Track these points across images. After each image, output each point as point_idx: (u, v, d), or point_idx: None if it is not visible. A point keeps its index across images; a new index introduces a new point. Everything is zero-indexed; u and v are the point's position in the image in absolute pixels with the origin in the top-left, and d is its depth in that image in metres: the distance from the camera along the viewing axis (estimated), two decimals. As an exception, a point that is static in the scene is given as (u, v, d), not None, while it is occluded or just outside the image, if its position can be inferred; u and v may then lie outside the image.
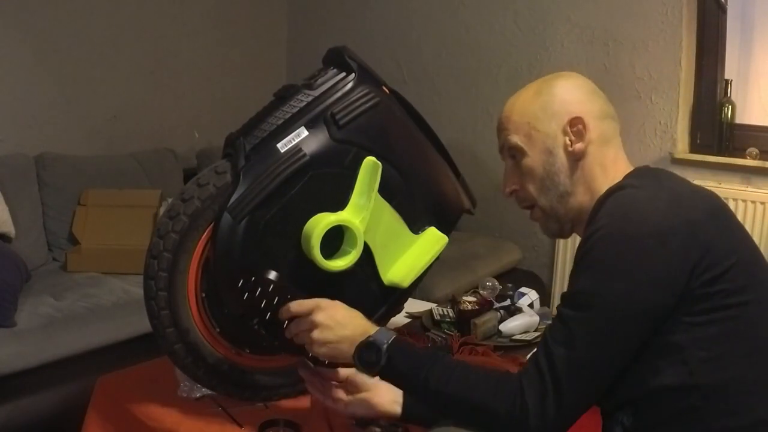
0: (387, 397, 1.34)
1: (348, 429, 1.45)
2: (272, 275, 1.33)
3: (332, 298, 1.37)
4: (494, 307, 2.04)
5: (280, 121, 1.41)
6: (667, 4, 3.03)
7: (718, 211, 1.19)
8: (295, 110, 1.41)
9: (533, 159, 1.28)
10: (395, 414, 1.34)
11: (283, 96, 1.45)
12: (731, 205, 2.86)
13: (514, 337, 1.93)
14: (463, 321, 1.95)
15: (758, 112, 3.05)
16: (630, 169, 1.27)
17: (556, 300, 3.33)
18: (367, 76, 1.45)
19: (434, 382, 1.20)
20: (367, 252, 1.42)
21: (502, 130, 1.32)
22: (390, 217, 1.47)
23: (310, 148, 1.39)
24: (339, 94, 1.43)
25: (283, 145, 1.38)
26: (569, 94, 1.27)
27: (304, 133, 1.40)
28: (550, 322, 1.98)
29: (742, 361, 1.12)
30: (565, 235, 1.35)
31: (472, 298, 2.05)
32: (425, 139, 1.54)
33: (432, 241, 1.54)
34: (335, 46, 1.49)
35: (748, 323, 1.13)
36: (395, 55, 3.85)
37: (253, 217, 1.37)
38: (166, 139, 3.61)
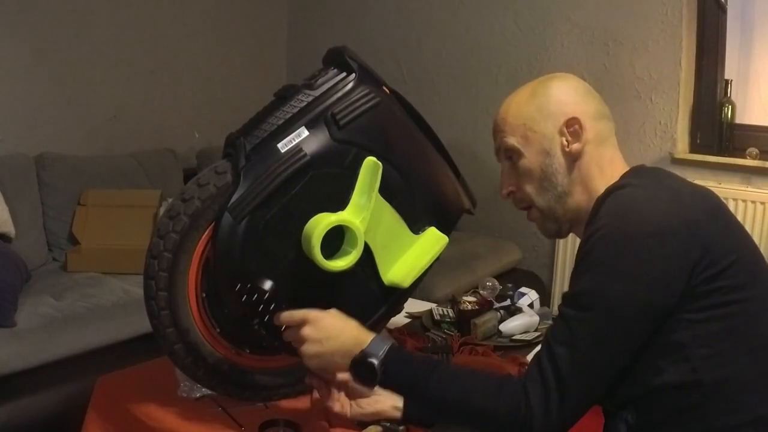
0: (387, 402, 1.34)
1: (348, 429, 1.45)
2: (267, 285, 1.33)
3: (332, 298, 1.37)
4: (494, 307, 2.04)
5: (280, 121, 1.41)
6: (667, 4, 3.04)
7: (717, 210, 1.20)
8: (295, 110, 1.41)
9: (530, 160, 1.28)
10: (396, 418, 1.35)
11: (284, 96, 1.44)
12: (731, 205, 2.86)
13: (514, 337, 1.93)
14: (463, 321, 1.95)
15: (758, 112, 3.05)
16: (627, 168, 1.28)
17: (556, 300, 3.33)
18: (367, 76, 1.45)
19: (434, 390, 1.20)
20: (367, 252, 1.42)
21: (498, 132, 1.32)
22: (390, 217, 1.47)
23: (310, 148, 1.39)
24: (339, 94, 1.43)
25: (284, 145, 1.38)
26: (565, 95, 1.27)
27: (304, 133, 1.40)
28: (550, 322, 1.99)
29: (743, 358, 1.13)
30: (563, 235, 1.35)
31: (472, 298, 2.05)
32: (425, 139, 1.54)
33: (432, 241, 1.54)
34: (335, 46, 1.49)
35: (748, 320, 1.13)
36: (395, 55, 3.86)
37: (253, 217, 1.37)
38: (166, 139, 3.61)
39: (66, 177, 3.10)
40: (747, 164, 2.95)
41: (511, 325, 1.95)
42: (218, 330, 1.47)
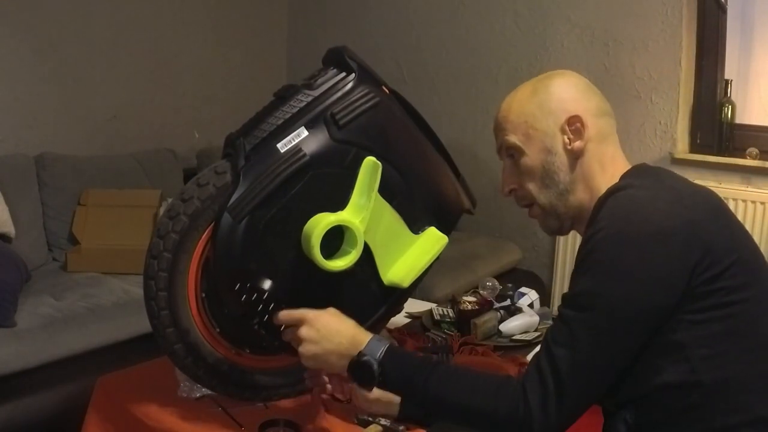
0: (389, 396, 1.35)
1: (348, 428, 1.45)
2: (266, 285, 1.33)
3: (332, 298, 1.37)
4: (494, 307, 2.04)
5: (280, 121, 1.41)
6: (667, 4, 3.04)
7: (718, 210, 1.20)
8: (295, 110, 1.41)
9: (532, 158, 1.28)
10: (393, 414, 1.35)
11: (283, 96, 1.44)
12: (731, 205, 2.86)
13: (514, 337, 1.93)
14: (463, 321, 1.95)
15: (758, 112, 3.05)
16: (628, 166, 1.28)
17: (556, 300, 3.33)
18: (367, 76, 1.45)
19: (433, 391, 1.20)
20: (367, 252, 1.42)
21: (499, 130, 1.32)
22: (390, 217, 1.47)
23: (310, 148, 1.39)
24: (339, 94, 1.43)
25: (283, 145, 1.38)
26: (566, 93, 1.27)
27: (304, 133, 1.40)
28: (550, 322, 1.99)
29: (743, 358, 1.13)
30: (564, 232, 1.35)
31: (472, 298, 2.05)
32: (425, 139, 1.54)
33: (432, 241, 1.54)
34: (335, 46, 1.49)
35: (748, 321, 1.13)
36: (395, 55, 3.85)
37: (253, 217, 1.37)
38: (166, 139, 3.61)
39: (66, 177, 3.10)
40: (747, 164, 2.95)
41: (511, 325, 1.95)
42: (218, 330, 1.47)
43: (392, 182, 1.47)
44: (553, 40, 3.37)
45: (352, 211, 1.39)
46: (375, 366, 1.23)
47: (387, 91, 1.49)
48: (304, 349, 1.28)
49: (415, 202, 1.51)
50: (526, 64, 3.44)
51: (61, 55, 3.26)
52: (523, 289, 2.15)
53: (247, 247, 1.37)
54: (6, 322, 2.35)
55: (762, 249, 1.24)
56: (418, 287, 1.60)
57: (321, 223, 1.34)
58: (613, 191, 1.19)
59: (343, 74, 1.44)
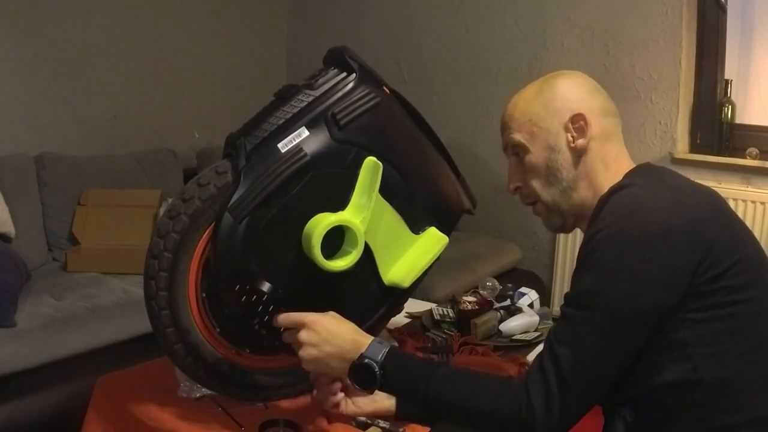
0: (385, 402, 1.36)
1: (348, 429, 1.45)
2: (266, 287, 1.33)
3: (333, 298, 1.36)
4: (494, 307, 2.04)
5: (280, 121, 1.41)
6: (667, 4, 3.04)
7: (720, 209, 1.20)
8: (295, 110, 1.41)
9: (536, 156, 1.29)
10: (392, 414, 1.36)
11: (284, 96, 1.44)
12: (731, 205, 2.83)
13: (514, 337, 1.93)
14: (463, 321, 1.95)
15: (758, 112, 3.05)
16: (632, 165, 1.28)
17: (556, 300, 3.33)
18: (367, 76, 1.45)
19: (435, 393, 1.20)
20: (367, 252, 1.42)
21: (505, 128, 1.33)
22: (390, 217, 1.47)
23: (310, 148, 1.39)
24: (340, 94, 1.43)
25: (284, 145, 1.38)
26: (571, 92, 1.28)
27: (304, 133, 1.40)
28: (550, 322, 2.00)
29: (744, 358, 1.12)
30: (567, 230, 1.35)
31: (472, 298, 2.05)
32: (425, 139, 1.54)
33: (432, 241, 1.54)
34: (335, 46, 1.49)
35: (750, 320, 1.13)
36: (395, 55, 3.86)
37: (253, 217, 1.37)
38: (166, 139, 3.61)
39: (66, 177, 3.10)
40: (747, 164, 2.95)
41: (511, 325, 1.95)
42: (218, 330, 1.47)
43: (393, 182, 1.47)
44: (553, 40, 3.37)
45: (352, 211, 1.39)
46: (377, 368, 1.22)
47: (387, 91, 1.49)
48: (305, 352, 1.28)
49: (416, 202, 1.51)
50: (526, 64, 3.44)
51: (61, 56, 3.26)
52: (523, 289, 2.15)
53: (248, 247, 1.37)
54: (6, 322, 2.35)
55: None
56: (418, 287, 1.60)
57: (322, 223, 1.34)
58: (615, 190, 1.19)
59: (344, 74, 1.45)
